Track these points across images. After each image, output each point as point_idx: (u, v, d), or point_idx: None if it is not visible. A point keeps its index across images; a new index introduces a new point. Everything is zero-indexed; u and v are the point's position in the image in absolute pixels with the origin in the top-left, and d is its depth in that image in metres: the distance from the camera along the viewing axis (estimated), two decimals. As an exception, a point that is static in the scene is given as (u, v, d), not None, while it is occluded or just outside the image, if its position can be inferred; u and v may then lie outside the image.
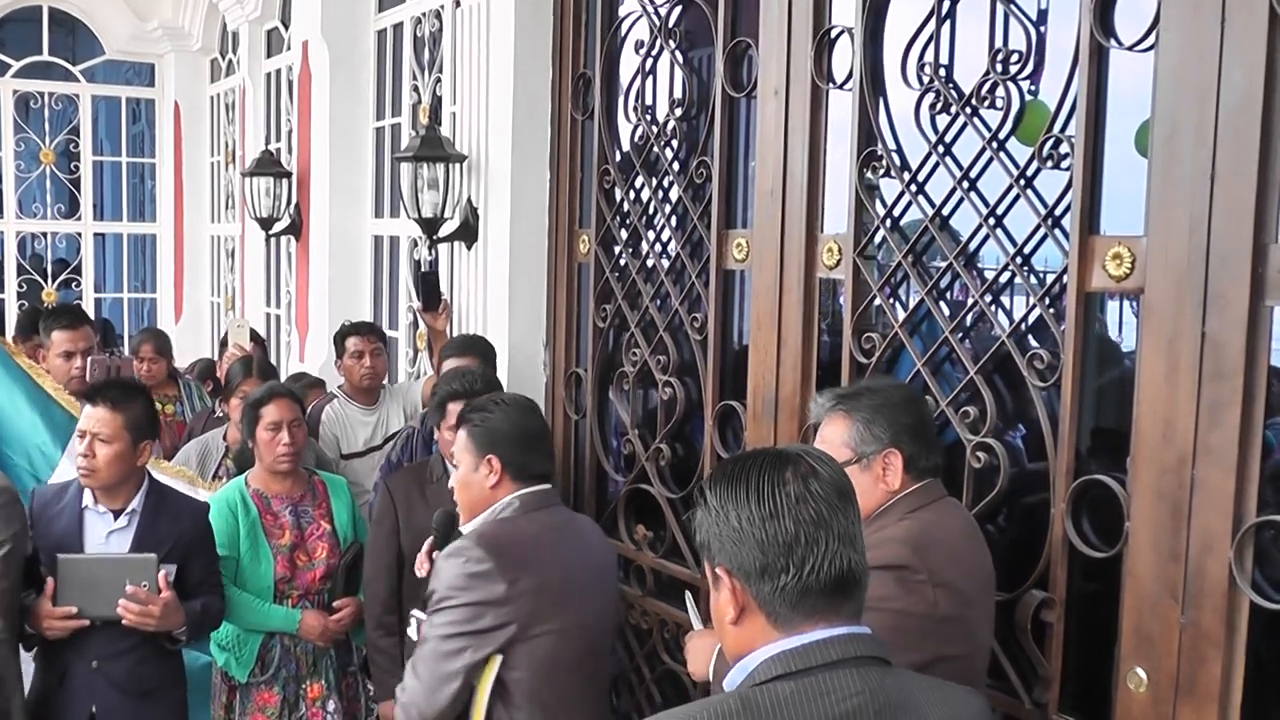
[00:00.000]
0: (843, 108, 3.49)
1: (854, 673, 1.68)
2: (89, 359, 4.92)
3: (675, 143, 4.27)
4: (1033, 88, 3.07)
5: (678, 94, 4.27)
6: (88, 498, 3.64)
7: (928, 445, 2.65)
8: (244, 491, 4.09)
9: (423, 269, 5.77)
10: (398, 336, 6.39)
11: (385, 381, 5.37)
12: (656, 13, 4.30)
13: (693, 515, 1.82)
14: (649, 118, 4.38)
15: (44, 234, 10.04)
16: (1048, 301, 2.95)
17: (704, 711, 1.66)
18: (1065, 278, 2.86)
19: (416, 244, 6.02)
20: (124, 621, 3.52)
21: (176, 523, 3.72)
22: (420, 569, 3.27)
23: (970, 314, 3.18)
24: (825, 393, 2.80)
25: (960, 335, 3.18)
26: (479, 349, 4.61)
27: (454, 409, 3.86)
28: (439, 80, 5.77)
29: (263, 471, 4.13)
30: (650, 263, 4.38)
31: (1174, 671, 2.59)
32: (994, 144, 3.08)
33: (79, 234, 10.11)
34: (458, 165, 5.09)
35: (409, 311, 6.21)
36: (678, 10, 4.23)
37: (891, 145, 3.40)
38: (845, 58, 3.48)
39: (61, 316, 5.16)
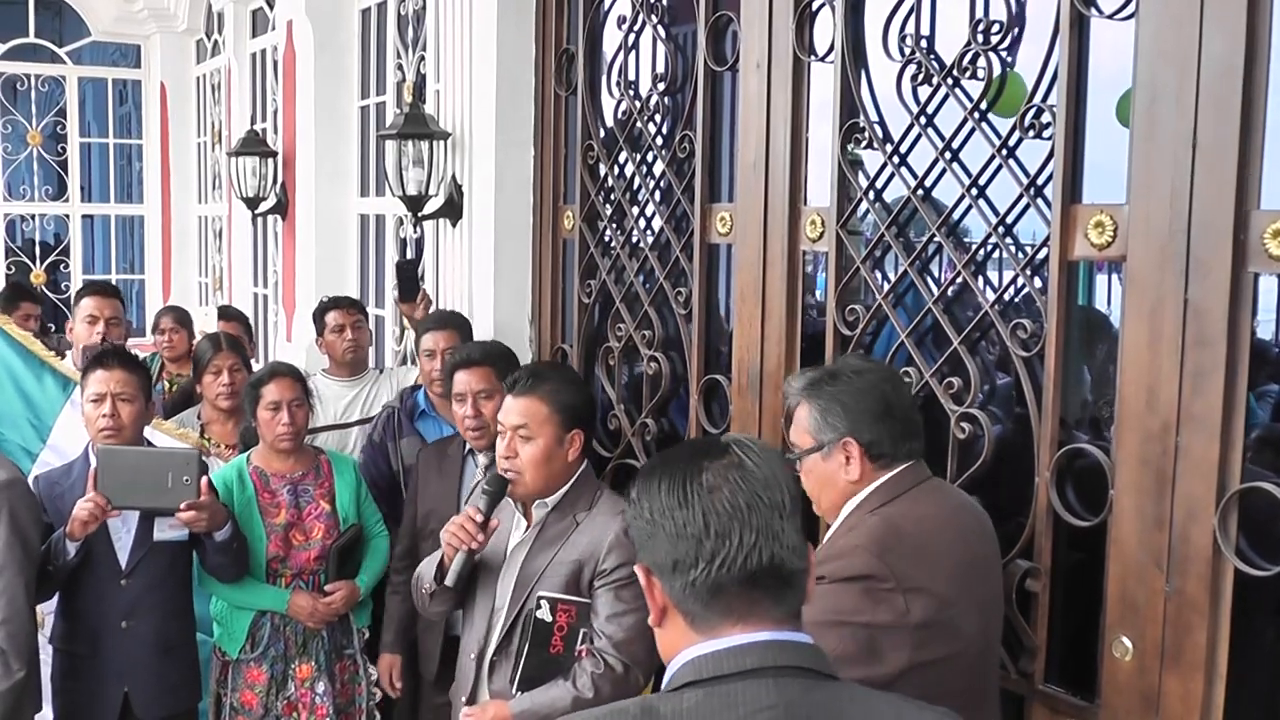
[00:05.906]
0: (825, 80, 3.48)
1: (770, 683, 1.53)
2: (83, 346, 4.95)
3: (658, 117, 4.25)
4: (1010, 59, 3.05)
5: (660, 69, 4.25)
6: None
7: (893, 431, 2.53)
8: (243, 469, 4.08)
9: (399, 259, 5.75)
10: (384, 315, 6.38)
11: (383, 364, 5.31)
12: (638, -13, 4.28)
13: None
14: (632, 93, 4.36)
15: (32, 216, 10.01)
16: (1030, 271, 2.94)
17: (607, 714, 1.59)
18: (1048, 247, 2.85)
19: (402, 222, 6.00)
20: (181, 520, 3.61)
21: None
22: (475, 539, 3.10)
23: (953, 285, 3.17)
24: (798, 375, 2.74)
25: (943, 306, 3.18)
26: (456, 323, 4.61)
27: (461, 378, 3.93)
28: (423, 58, 5.73)
29: (265, 449, 4.13)
30: (634, 238, 4.37)
31: (1159, 640, 2.60)
32: (975, 114, 3.07)
33: (67, 216, 10.09)
34: (442, 142, 5.07)
35: (394, 290, 6.19)
36: (659, -16, 4.21)
37: (874, 117, 3.39)
38: (827, 30, 3.46)
39: (94, 284, 5.62)
